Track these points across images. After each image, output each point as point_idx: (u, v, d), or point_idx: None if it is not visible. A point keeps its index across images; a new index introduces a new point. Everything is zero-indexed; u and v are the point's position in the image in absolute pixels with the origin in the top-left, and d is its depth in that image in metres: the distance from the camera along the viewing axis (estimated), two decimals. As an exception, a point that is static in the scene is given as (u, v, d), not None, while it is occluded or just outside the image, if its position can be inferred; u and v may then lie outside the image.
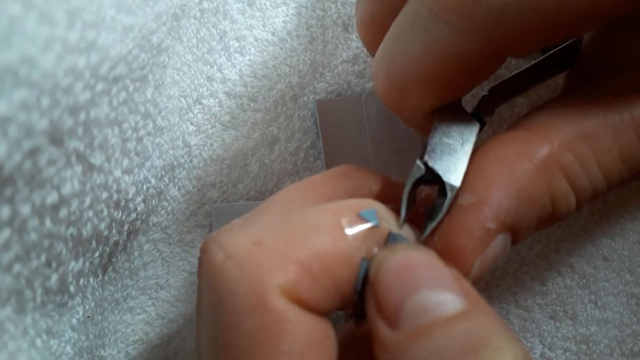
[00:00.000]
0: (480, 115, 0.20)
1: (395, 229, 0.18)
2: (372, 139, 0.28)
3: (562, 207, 0.18)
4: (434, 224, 0.18)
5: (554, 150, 0.18)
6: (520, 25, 0.16)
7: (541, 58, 0.22)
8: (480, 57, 0.17)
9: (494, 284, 0.28)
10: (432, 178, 0.19)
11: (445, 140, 0.19)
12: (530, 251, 0.29)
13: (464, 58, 0.17)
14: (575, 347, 0.28)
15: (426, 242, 0.18)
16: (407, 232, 0.18)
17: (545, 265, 0.29)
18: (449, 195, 0.18)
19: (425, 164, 0.19)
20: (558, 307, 0.28)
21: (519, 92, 0.23)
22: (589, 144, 0.18)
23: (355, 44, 0.29)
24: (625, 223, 0.29)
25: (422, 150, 0.19)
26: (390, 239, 0.17)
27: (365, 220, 0.17)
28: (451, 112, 0.20)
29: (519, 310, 0.28)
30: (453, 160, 0.18)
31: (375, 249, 0.17)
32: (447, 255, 0.17)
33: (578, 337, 0.28)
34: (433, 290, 0.15)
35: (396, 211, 0.19)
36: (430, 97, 0.19)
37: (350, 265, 0.16)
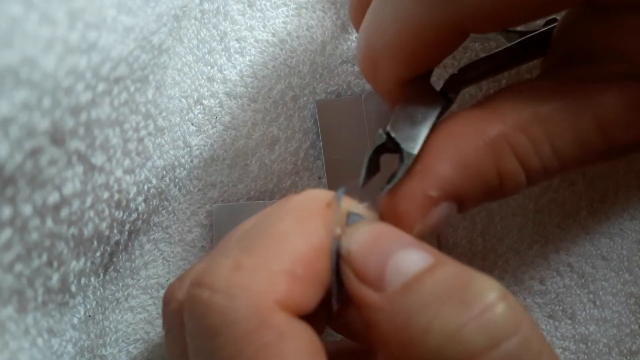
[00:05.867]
0: (446, 93, 0.21)
1: (354, 209, 0.19)
2: (371, 139, 0.28)
3: (510, 184, 0.19)
4: (388, 187, 0.19)
5: (506, 129, 0.18)
6: (478, 2, 0.17)
7: (513, 43, 0.23)
8: (442, 30, 0.18)
9: (494, 284, 0.29)
10: (394, 147, 0.19)
11: (410, 112, 0.20)
12: (529, 250, 0.29)
13: (427, 30, 0.18)
14: (574, 347, 0.28)
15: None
16: (364, 210, 0.19)
17: (544, 265, 0.29)
18: (405, 161, 0.19)
19: (388, 133, 0.19)
20: (557, 307, 0.28)
21: (489, 75, 0.23)
22: (542, 126, 0.18)
23: (354, 44, 0.29)
24: (624, 223, 0.29)
25: (388, 121, 0.20)
26: (350, 219, 0.18)
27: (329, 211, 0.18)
28: (419, 88, 0.20)
29: (518, 310, 0.28)
30: (414, 131, 0.19)
31: (338, 230, 0.18)
32: (390, 218, 0.18)
33: (577, 336, 0.28)
34: (406, 251, 0.16)
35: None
36: (398, 67, 0.20)
37: (326, 254, 0.17)
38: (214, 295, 0.16)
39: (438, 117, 0.20)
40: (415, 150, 0.19)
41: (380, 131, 0.19)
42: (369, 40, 0.20)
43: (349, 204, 0.19)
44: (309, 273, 0.17)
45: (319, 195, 0.19)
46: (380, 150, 0.20)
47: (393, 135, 0.19)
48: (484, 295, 0.15)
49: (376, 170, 0.20)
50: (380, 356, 0.17)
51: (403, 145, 0.19)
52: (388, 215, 0.19)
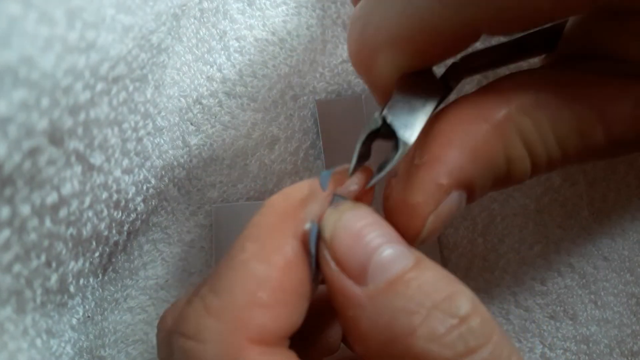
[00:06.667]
0: (447, 81, 0.20)
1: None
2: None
3: (518, 170, 0.19)
4: (380, 175, 0.18)
5: (511, 112, 0.18)
6: (499, 5, 0.17)
7: (518, 37, 0.22)
8: (457, 30, 0.18)
9: (494, 284, 0.28)
10: (388, 133, 0.18)
11: (408, 99, 0.19)
12: (530, 251, 0.29)
13: (441, 29, 0.18)
14: (576, 347, 0.28)
15: (383, 199, 0.19)
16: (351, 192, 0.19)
17: (545, 265, 0.29)
18: (400, 149, 0.18)
19: (383, 118, 0.18)
20: (558, 307, 0.28)
21: (491, 67, 0.23)
22: (545, 112, 0.18)
23: (355, 43, 0.29)
24: (625, 223, 0.29)
25: (383, 105, 0.19)
26: (334, 200, 0.18)
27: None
28: (419, 75, 0.20)
29: (519, 311, 0.28)
30: (411, 119, 0.18)
31: (307, 225, 0.17)
32: (402, 210, 0.18)
33: (578, 337, 0.28)
34: (391, 246, 0.16)
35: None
36: (401, 62, 0.19)
37: (296, 266, 0.17)
38: (187, 341, 0.16)
39: (437, 106, 0.19)
40: (412, 139, 0.18)
41: (376, 115, 0.18)
42: (369, 29, 0.19)
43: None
44: (279, 294, 0.16)
45: (275, 204, 0.18)
46: (373, 135, 0.19)
47: (389, 121, 0.18)
48: (462, 307, 0.15)
49: (367, 156, 0.19)
50: (354, 349, 0.17)
51: (399, 133, 0.18)
52: (399, 208, 0.18)
